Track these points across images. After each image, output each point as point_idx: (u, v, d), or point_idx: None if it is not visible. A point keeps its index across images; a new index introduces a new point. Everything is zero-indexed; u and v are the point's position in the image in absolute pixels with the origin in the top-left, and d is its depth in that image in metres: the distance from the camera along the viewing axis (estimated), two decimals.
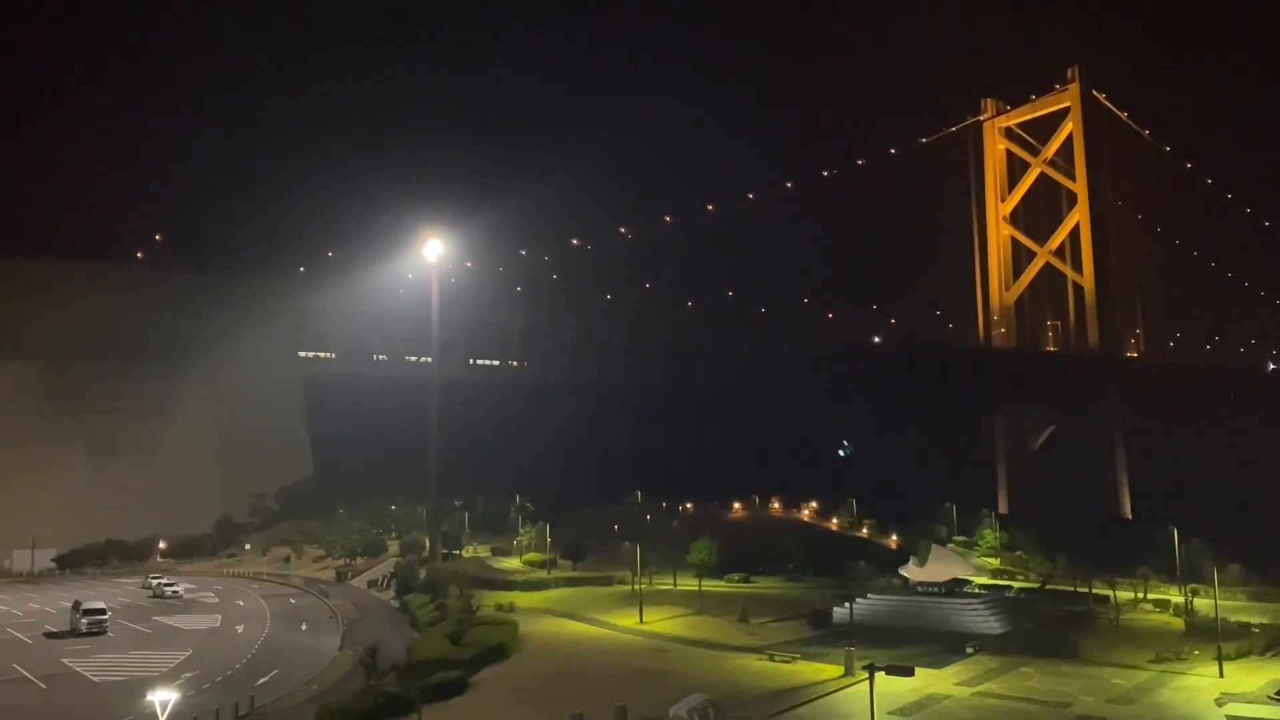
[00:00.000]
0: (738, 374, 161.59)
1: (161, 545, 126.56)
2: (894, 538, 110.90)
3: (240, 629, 68.83)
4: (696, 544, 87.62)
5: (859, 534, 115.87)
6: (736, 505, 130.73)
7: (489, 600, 74.06)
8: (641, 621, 67.23)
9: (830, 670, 50.88)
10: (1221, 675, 49.88)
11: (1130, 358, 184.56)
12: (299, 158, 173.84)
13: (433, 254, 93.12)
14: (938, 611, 67.93)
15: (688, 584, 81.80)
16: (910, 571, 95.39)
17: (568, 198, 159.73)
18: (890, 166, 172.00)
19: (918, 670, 47.48)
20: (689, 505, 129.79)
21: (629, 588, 79.32)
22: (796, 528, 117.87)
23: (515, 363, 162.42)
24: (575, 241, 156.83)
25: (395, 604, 79.28)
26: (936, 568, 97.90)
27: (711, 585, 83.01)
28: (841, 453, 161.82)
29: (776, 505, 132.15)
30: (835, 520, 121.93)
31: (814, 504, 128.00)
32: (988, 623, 65.43)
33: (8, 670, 53.84)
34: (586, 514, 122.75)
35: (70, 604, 71.58)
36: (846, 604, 65.20)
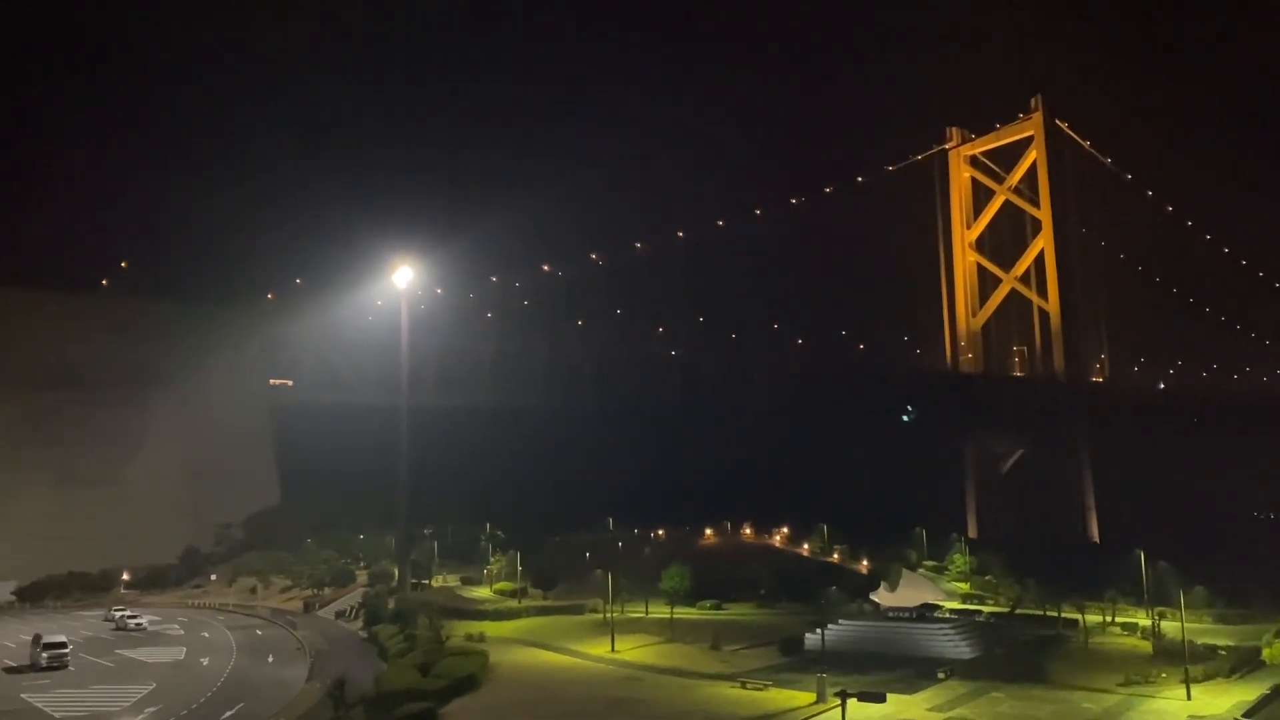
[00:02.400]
0: (709, 399, 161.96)
1: (125, 576, 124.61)
2: (865, 563, 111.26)
3: (205, 661, 67.78)
4: (668, 571, 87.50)
5: (830, 559, 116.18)
6: (708, 531, 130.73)
7: (459, 630, 73.45)
8: (614, 650, 66.90)
9: (803, 697, 50.83)
10: (1189, 698, 50.35)
11: (1096, 382, 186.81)
12: (267, 184, 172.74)
13: (402, 281, 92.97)
14: (909, 637, 68.14)
15: (660, 611, 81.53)
16: (881, 597, 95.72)
17: (538, 224, 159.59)
18: (857, 194, 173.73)
19: (889, 696, 47.62)
20: (661, 532, 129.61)
21: (600, 616, 78.96)
22: (768, 554, 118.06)
23: (485, 389, 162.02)
24: (546, 268, 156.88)
25: (364, 635, 78.49)
26: (907, 593, 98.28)
27: (684, 612, 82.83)
28: (905, 418, 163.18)
29: (748, 531, 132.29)
30: (806, 546, 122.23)
31: (785, 530, 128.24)
32: (959, 648, 65.72)
33: None
34: (557, 542, 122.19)
35: (30, 638, 70.19)
36: (818, 630, 65.29)
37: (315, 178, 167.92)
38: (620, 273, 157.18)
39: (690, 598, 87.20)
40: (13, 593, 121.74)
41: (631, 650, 67.40)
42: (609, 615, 75.04)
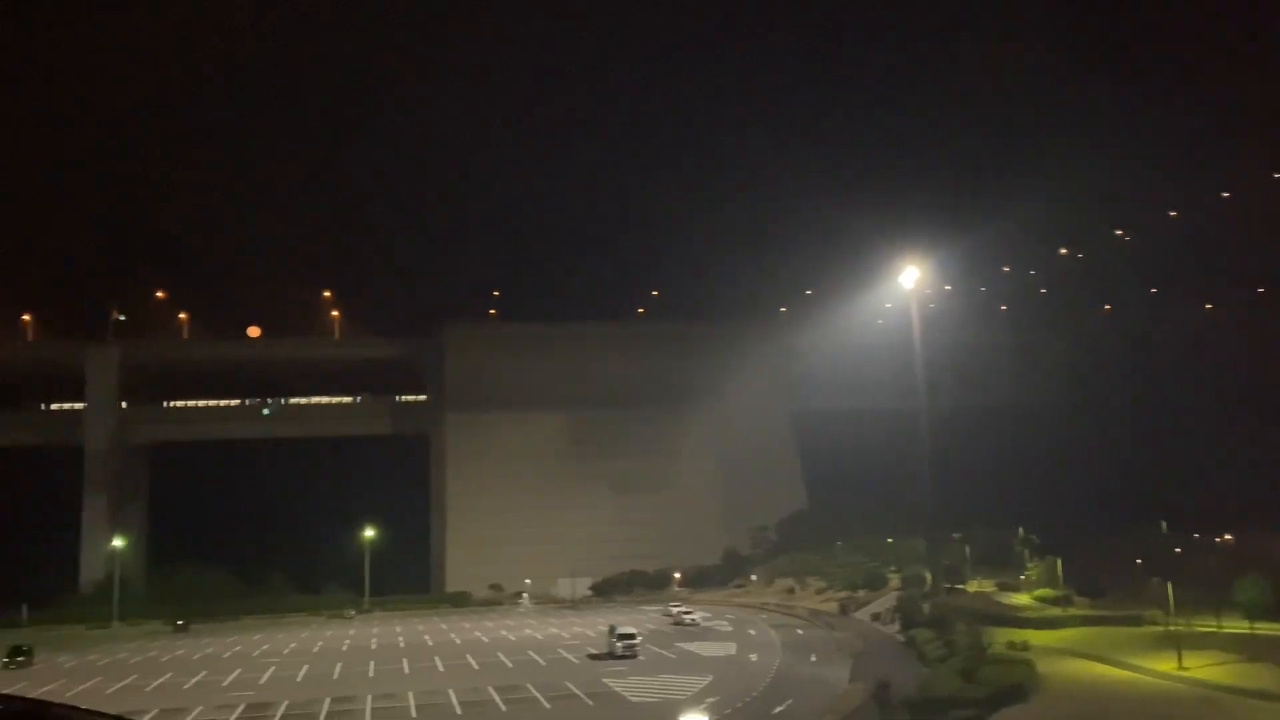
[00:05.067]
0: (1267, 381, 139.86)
1: (677, 576, 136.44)
2: None
3: (754, 657, 71.63)
4: (1243, 581, 76.16)
5: None
6: None
7: (999, 637, 70.03)
8: (1181, 667, 59.53)
9: None
10: None
11: None
12: (769, 203, 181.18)
13: (909, 281, 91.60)
14: None
15: (1235, 626, 71.23)
16: None
17: (1051, 207, 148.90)
18: None
19: None
20: (1228, 536, 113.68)
21: (1160, 628, 70.83)
22: None
23: (1004, 386, 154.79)
24: (1064, 251, 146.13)
25: (900, 638, 77.96)
26: None
27: (1268, 628, 71.57)
28: None
29: None
30: None
31: None
32: None
33: (561, 687, 60.64)
34: (1098, 546, 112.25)
35: (606, 629, 79.35)
36: None
37: (816, 191, 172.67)
38: (1152, 247, 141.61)
39: (1275, 613, 75.09)
40: (589, 588, 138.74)
41: (1203, 668, 59.43)
42: (1173, 627, 67.04)
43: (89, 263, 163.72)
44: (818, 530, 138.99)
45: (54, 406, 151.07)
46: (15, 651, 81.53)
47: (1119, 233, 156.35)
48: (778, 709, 51.53)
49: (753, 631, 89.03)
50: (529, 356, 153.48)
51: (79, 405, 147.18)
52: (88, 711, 5.74)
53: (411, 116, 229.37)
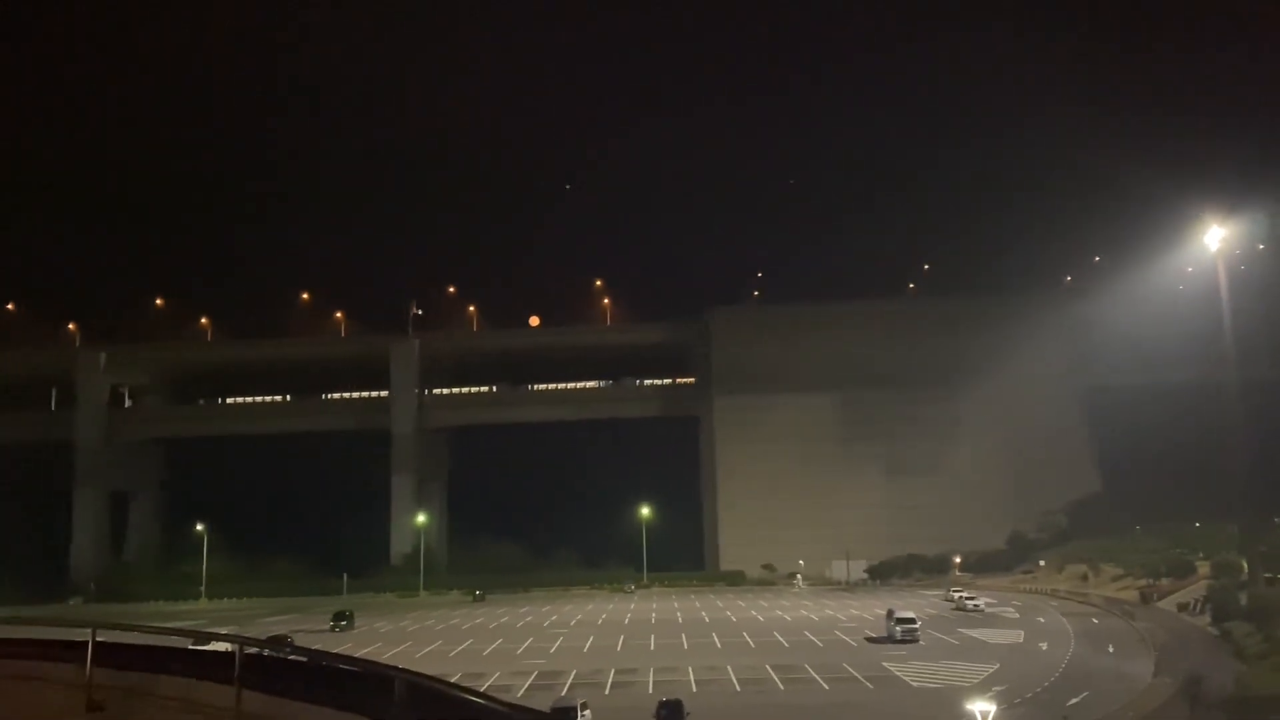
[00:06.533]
0: None
1: (956, 560, 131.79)
2: None
3: (1044, 646, 68.15)
4: None
5: None
6: None
7: None
8: None
9: None
10: None
11: None
12: (1049, 163, 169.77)
13: (1215, 241, 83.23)
14: None
15: None
16: None
17: None
18: None
19: None
20: None
21: None
22: None
23: None
24: None
25: (1212, 631, 71.51)
26: None
27: None
28: None
29: None
30: None
31: None
32: None
33: (840, 669, 60.28)
34: None
35: (884, 612, 77.99)
36: None
37: (1103, 147, 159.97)
38: None
39: None
40: (864, 571, 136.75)
41: None
42: None
43: (391, 264, 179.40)
44: (1113, 514, 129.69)
45: (361, 395, 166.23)
46: (339, 616, 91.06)
47: None
48: (1072, 701, 48.73)
49: (1042, 619, 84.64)
50: (794, 338, 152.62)
51: (383, 393, 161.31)
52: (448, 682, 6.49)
53: (674, 105, 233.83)
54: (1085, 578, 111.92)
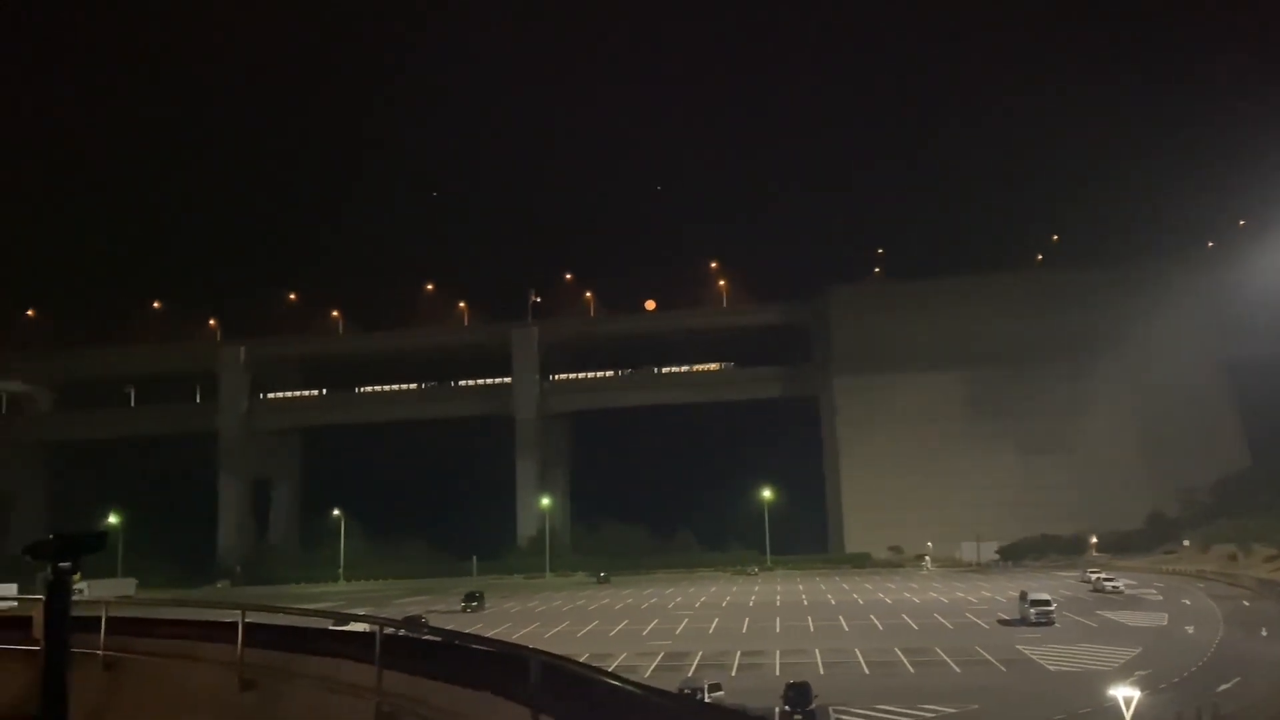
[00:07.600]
0: None
1: (1093, 540, 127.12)
2: None
3: (1190, 630, 65.16)
4: None
5: None
6: None
7: None
8: None
9: None
10: None
11: None
12: (1184, 124, 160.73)
13: None
14: None
15: None
16: None
17: None
18: None
19: None
20: None
21: None
22: None
23: None
24: None
25: None
26: None
27: None
28: None
29: None
30: None
31: None
32: None
33: (971, 652, 58.83)
34: None
35: (1018, 594, 75.76)
36: None
37: (1246, 107, 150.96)
38: None
39: None
40: (995, 552, 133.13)
41: None
42: None
43: (510, 253, 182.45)
44: (1265, 491, 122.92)
45: (485, 381, 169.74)
46: (470, 596, 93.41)
47: None
48: (1223, 687, 46.44)
49: (1187, 601, 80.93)
50: (916, 315, 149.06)
51: (506, 380, 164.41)
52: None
53: (793, 81, 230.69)
54: (1234, 558, 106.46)
